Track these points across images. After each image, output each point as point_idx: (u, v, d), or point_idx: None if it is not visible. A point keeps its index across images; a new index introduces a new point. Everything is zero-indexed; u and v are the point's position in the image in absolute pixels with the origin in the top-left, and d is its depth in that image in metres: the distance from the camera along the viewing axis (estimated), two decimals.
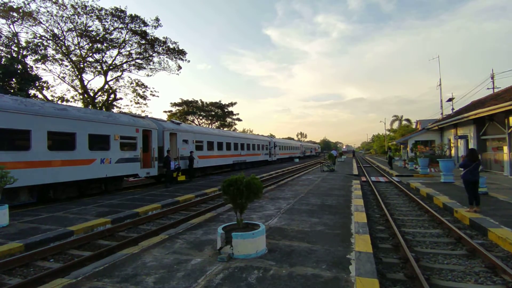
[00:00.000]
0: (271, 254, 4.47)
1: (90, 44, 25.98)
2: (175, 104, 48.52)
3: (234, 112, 54.34)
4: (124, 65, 28.89)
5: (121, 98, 32.73)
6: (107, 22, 25.51)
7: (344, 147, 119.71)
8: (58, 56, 25.22)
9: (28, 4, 21.77)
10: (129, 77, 34.88)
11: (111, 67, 27.94)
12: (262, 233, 4.56)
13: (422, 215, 8.36)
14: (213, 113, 51.16)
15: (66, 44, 25.11)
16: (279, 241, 5.11)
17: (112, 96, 29.09)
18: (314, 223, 6.39)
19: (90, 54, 26.58)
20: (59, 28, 24.09)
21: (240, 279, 3.61)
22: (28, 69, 20.81)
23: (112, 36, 26.48)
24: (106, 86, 28.38)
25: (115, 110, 28.76)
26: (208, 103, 50.81)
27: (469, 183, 7.55)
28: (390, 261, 5.00)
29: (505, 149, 15.13)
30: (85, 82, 26.87)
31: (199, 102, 49.77)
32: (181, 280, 3.61)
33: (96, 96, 27.84)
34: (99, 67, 27.56)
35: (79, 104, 26.26)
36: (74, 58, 25.81)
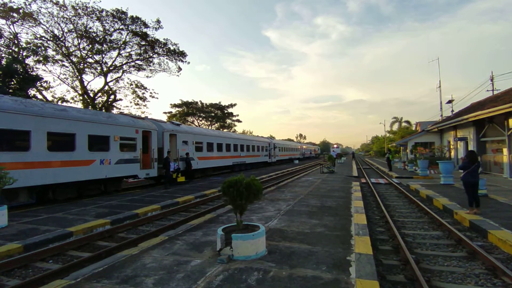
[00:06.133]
0: (271, 256, 4.45)
1: (90, 45, 26.01)
2: (175, 105, 48.55)
3: (234, 114, 54.44)
4: (124, 66, 28.94)
5: (121, 99, 32.87)
6: (108, 23, 25.57)
7: (335, 146, 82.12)
8: (58, 57, 25.26)
9: (29, 4, 21.83)
10: (128, 78, 34.83)
11: (111, 68, 27.96)
12: (262, 235, 4.55)
13: (422, 217, 8.35)
14: (212, 114, 51.16)
15: (66, 45, 25.14)
16: (279, 243, 5.09)
17: (112, 97, 29.12)
18: (314, 224, 6.38)
19: (90, 55, 26.61)
20: (60, 29, 24.14)
21: (240, 281, 3.60)
22: (29, 70, 20.82)
23: (112, 37, 26.54)
24: (106, 87, 28.42)
25: (115, 111, 28.78)
26: (208, 104, 50.86)
27: (468, 185, 7.55)
28: (390, 263, 4.99)
29: (505, 151, 15.14)
30: (85, 83, 26.90)
31: (199, 103, 49.80)
32: (181, 281, 3.60)
33: (96, 97, 27.85)
34: (99, 68, 27.59)
35: (79, 105, 26.27)
36: (74, 59, 25.84)
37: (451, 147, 23.53)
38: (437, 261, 5.08)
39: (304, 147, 65.26)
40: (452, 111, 28.70)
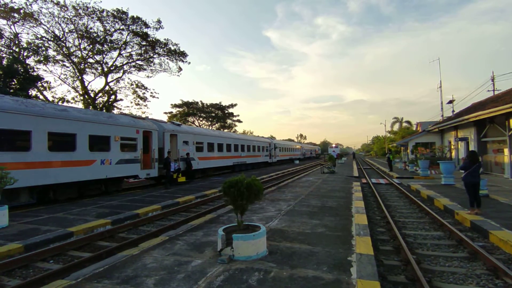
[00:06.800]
0: (272, 256, 4.45)
1: (91, 46, 26.03)
2: (175, 105, 48.58)
3: (234, 114, 54.45)
4: (125, 67, 28.96)
5: (121, 99, 32.79)
6: (108, 23, 25.59)
7: (333, 145, 77.43)
8: (59, 57, 25.30)
9: (30, 5, 21.86)
10: (129, 78, 34.89)
11: (111, 68, 27.98)
12: (263, 235, 4.54)
13: (423, 217, 8.33)
14: (213, 114, 51.19)
15: (67, 45, 25.16)
16: (280, 243, 5.09)
17: (113, 97, 29.13)
18: (315, 225, 6.37)
19: (91, 55, 26.64)
20: (60, 29, 24.16)
21: (240, 281, 3.59)
22: (29, 70, 20.84)
23: (113, 38, 26.56)
24: (107, 87, 28.43)
25: (115, 111, 28.79)
26: (208, 104, 50.88)
27: (469, 185, 7.54)
28: (391, 263, 4.98)
29: (506, 151, 15.11)
30: (86, 83, 26.93)
31: (200, 103, 49.83)
32: (182, 282, 3.59)
33: (97, 97, 27.87)
34: (99, 68, 27.61)
35: (80, 105, 26.29)
36: (75, 60, 25.86)
37: (452, 147, 23.50)
38: (438, 262, 5.06)
39: (304, 147, 65.22)
40: (453, 111, 28.63)
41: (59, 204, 10.44)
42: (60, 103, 24.59)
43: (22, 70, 19.77)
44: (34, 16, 22.38)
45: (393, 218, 8.14)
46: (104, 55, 27.21)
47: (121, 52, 27.75)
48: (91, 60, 27.00)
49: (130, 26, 26.31)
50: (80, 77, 26.28)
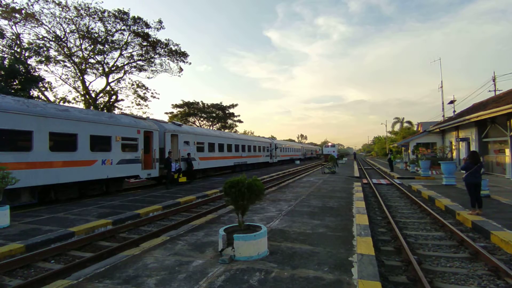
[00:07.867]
0: (273, 256, 4.45)
1: (92, 46, 26.07)
2: (176, 106, 48.64)
3: (235, 114, 54.45)
4: (126, 67, 28.98)
5: (122, 100, 32.86)
6: (110, 24, 25.63)
7: (329, 144, 69.59)
8: (60, 57, 25.33)
9: (32, 5, 21.91)
10: (130, 78, 34.81)
11: (112, 69, 28.01)
12: (264, 235, 4.54)
13: (424, 218, 8.32)
14: (214, 114, 51.21)
15: (68, 46, 25.21)
16: (281, 243, 5.09)
17: (114, 97, 29.15)
18: (316, 225, 6.37)
19: (92, 56, 26.67)
20: (62, 29, 24.21)
21: (242, 281, 3.59)
22: (31, 70, 20.88)
23: (114, 38, 26.60)
24: (108, 88, 28.45)
25: (116, 111, 28.81)
26: (209, 104, 50.92)
27: (471, 185, 7.53)
28: (392, 264, 4.98)
29: (507, 151, 15.07)
30: (87, 84, 26.96)
31: (200, 103, 49.86)
32: (183, 282, 3.59)
33: (98, 98, 27.89)
34: (100, 68, 27.64)
35: (81, 106, 26.33)
36: (76, 60, 25.89)
37: (453, 147, 23.44)
38: (440, 262, 5.06)
39: (305, 147, 65.17)
40: (454, 111, 28.55)
41: (60, 204, 10.46)
42: (61, 103, 24.63)
43: (23, 71, 19.79)
44: (36, 17, 22.42)
45: (394, 218, 8.13)
46: (105, 56, 27.23)
47: (122, 53, 27.80)
48: (92, 61, 27.04)
49: (131, 27, 26.33)
50: (81, 78, 26.31)
